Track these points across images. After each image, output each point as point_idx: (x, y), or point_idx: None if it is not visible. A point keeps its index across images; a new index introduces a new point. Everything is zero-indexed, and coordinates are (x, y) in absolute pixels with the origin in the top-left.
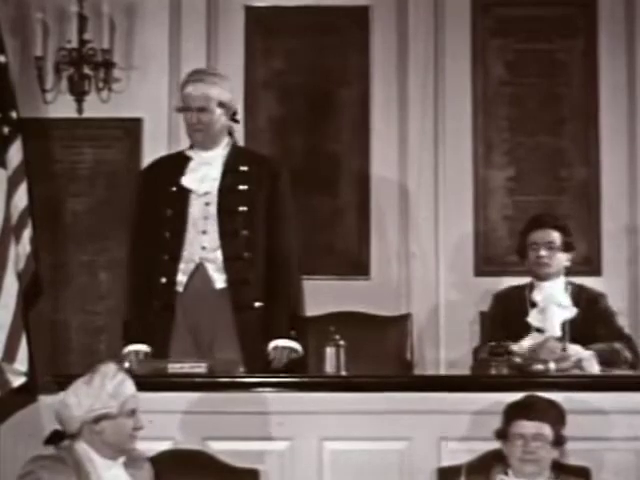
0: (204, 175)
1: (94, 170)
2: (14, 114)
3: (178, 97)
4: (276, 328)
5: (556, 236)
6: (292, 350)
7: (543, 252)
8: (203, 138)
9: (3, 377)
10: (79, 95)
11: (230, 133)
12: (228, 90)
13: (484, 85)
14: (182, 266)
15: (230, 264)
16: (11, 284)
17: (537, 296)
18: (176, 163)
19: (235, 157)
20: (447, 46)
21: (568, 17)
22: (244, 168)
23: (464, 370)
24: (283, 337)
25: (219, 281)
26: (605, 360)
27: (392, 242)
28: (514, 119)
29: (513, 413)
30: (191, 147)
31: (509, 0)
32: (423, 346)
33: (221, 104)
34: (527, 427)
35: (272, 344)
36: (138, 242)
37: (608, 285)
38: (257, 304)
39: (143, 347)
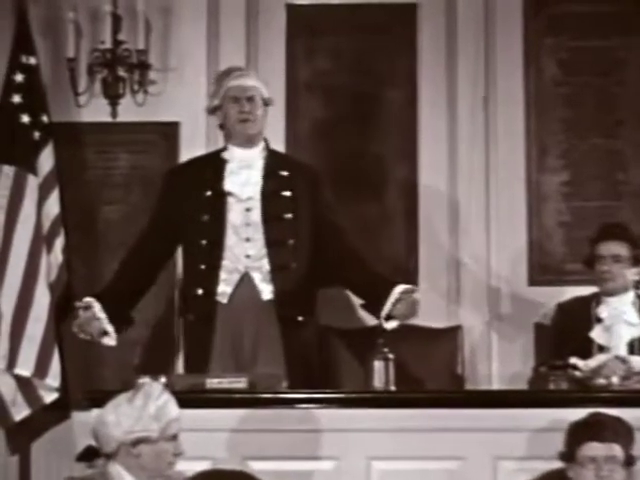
0: (246, 179)
1: (129, 176)
2: (45, 118)
3: (210, 96)
4: (388, 278)
5: (624, 249)
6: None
7: (608, 266)
8: (255, 130)
9: (35, 393)
10: (113, 98)
11: (264, 138)
12: (267, 88)
13: (537, 86)
14: (224, 276)
15: (277, 274)
16: (42, 295)
17: (603, 312)
18: (210, 165)
19: (274, 161)
20: (498, 45)
21: (625, 13)
22: (284, 173)
23: (519, 385)
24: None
25: (266, 292)
26: None
27: (441, 250)
28: (569, 121)
29: (581, 434)
30: (224, 149)
31: None
32: (475, 360)
33: (264, 102)
34: (599, 449)
35: (397, 289)
36: (147, 236)
37: None
38: (300, 318)
39: (96, 304)
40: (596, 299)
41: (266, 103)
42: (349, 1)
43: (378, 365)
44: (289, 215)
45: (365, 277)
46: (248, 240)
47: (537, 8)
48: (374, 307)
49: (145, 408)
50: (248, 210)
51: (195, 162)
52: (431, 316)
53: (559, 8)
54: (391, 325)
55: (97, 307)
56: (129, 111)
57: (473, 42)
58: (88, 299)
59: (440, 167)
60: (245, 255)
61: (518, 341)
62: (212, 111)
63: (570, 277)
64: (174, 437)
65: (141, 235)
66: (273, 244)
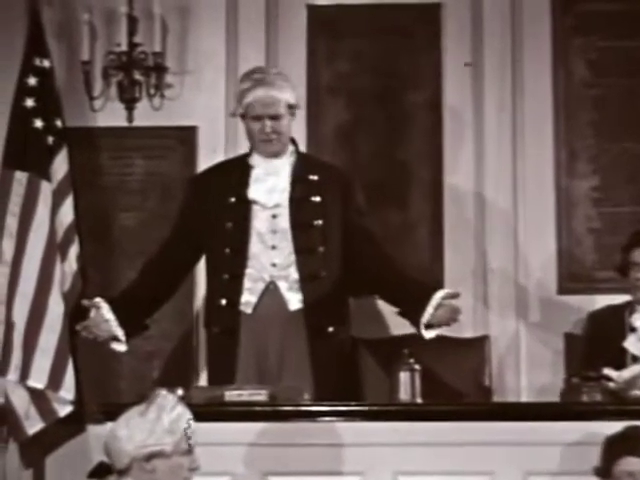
0: (272, 186)
1: (145, 182)
2: (59, 123)
3: (235, 100)
4: (428, 283)
5: None
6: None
7: None
8: (278, 148)
9: (48, 406)
10: (129, 102)
11: (292, 139)
12: (293, 89)
13: (566, 87)
14: (248, 285)
15: (306, 283)
16: (56, 305)
17: (637, 321)
18: (236, 171)
19: (302, 165)
20: (525, 46)
21: None
22: (314, 177)
23: (548, 397)
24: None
25: (293, 302)
26: None
27: (468, 258)
28: (599, 123)
29: (618, 449)
30: (250, 152)
31: None
32: (503, 371)
33: (290, 107)
34: (636, 464)
35: (438, 294)
36: (169, 243)
37: None
38: (331, 329)
39: (104, 305)
40: (630, 308)
41: (292, 110)
42: (371, 1)
43: (404, 376)
44: (319, 222)
45: (401, 283)
46: (274, 248)
47: (565, 7)
48: (413, 314)
49: (158, 421)
50: (275, 217)
51: (220, 167)
52: (457, 326)
53: (588, 6)
54: (430, 334)
55: (105, 308)
56: (145, 115)
57: (499, 42)
58: (97, 299)
59: (466, 172)
60: (271, 263)
61: (547, 351)
62: (234, 115)
63: (601, 285)
64: (189, 451)
65: (163, 242)
66: (302, 252)
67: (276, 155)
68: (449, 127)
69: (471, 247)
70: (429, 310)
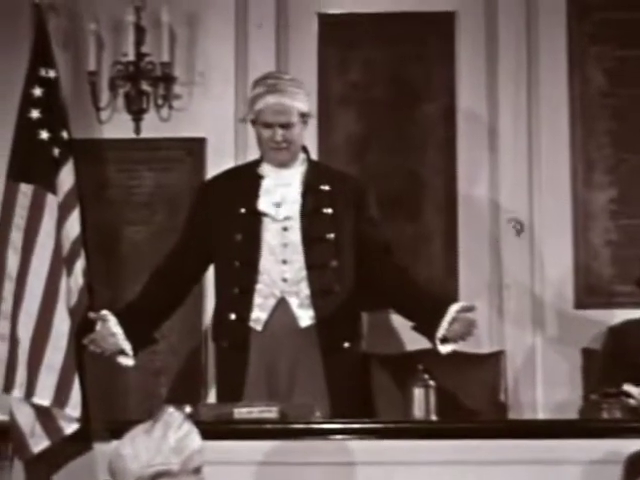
0: (282, 197)
1: (153, 195)
2: (65, 134)
3: (246, 105)
4: (443, 297)
5: None
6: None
7: None
8: (288, 157)
9: (54, 424)
10: (136, 113)
11: (304, 147)
12: (306, 97)
13: (582, 97)
14: (259, 301)
15: (318, 299)
16: (62, 321)
17: None
18: (246, 181)
19: (314, 175)
20: (541, 54)
21: None
22: (325, 187)
23: (566, 414)
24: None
25: (304, 318)
26: None
27: (483, 271)
28: (616, 134)
29: (639, 467)
30: (260, 160)
31: (609, 2)
32: (519, 387)
33: (302, 115)
34: None
35: (453, 307)
36: (176, 253)
37: None
38: (346, 344)
39: (111, 317)
40: None
41: (304, 118)
42: (384, 10)
43: (418, 393)
44: (331, 235)
45: (415, 296)
46: (285, 262)
47: (582, 14)
48: (428, 328)
49: (165, 439)
50: (285, 230)
51: (229, 174)
52: (473, 341)
53: (605, 14)
54: (447, 349)
55: (112, 321)
56: (153, 127)
57: (514, 51)
58: (104, 312)
59: (480, 184)
60: (282, 279)
61: (565, 367)
62: (244, 121)
63: (619, 299)
64: (197, 470)
65: (170, 251)
66: (314, 267)
67: (286, 165)
68: (463, 137)
69: (486, 260)
70: (444, 324)
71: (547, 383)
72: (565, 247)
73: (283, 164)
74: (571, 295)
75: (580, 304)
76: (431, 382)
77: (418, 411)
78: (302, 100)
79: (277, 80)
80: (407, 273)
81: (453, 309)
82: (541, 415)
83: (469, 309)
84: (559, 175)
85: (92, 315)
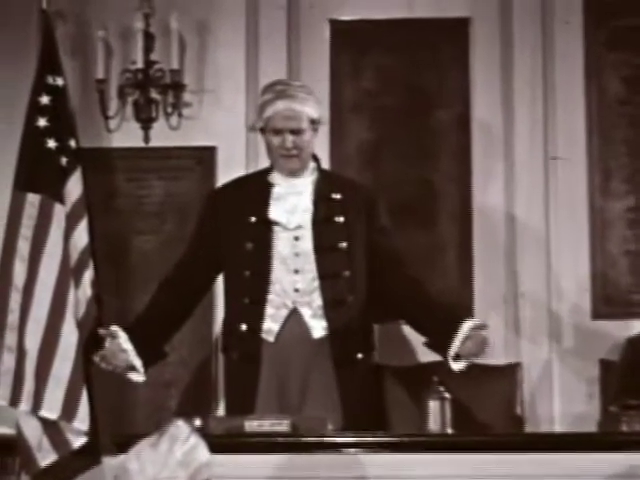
0: (294, 206)
1: (163, 205)
2: (73, 143)
3: (255, 113)
4: (456, 311)
5: None
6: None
7: None
8: (299, 165)
9: (62, 437)
10: (145, 122)
11: (314, 156)
12: (317, 103)
13: (599, 104)
14: (271, 311)
15: (331, 310)
16: (70, 332)
17: None
18: (256, 189)
19: (325, 183)
20: (557, 62)
21: None
22: (337, 196)
23: (583, 427)
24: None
25: (317, 329)
26: None
27: (498, 281)
28: (634, 142)
29: None
30: (270, 169)
31: (626, 9)
32: (535, 399)
33: (312, 122)
34: None
35: (466, 325)
36: (185, 262)
37: None
38: (360, 355)
39: (122, 334)
40: None
41: (315, 125)
42: (396, 16)
43: (433, 405)
44: (343, 244)
45: (428, 309)
46: (297, 272)
47: (599, 21)
48: (440, 345)
49: (171, 453)
50: (297, 239)
51: (239, 183)
52: (488, 352)
53: (622, 21)
54: (459, 366)
55: (123, 337)
56: (162, 135)
57: (530, 58)
58: (114, 327)
59: (496, 191)
60: (294, 289)
61: (582, 379)
62: (253, 129)
63: (637, 309)
64: None
65: (179, 262)
66: (326, 276)
67: (297, 173)
68: (478, 145)
69: (502, 270)
70: (457, 342)
71: (564, 395)
72: (582, 257)
73: (293, 173)
74: (588, 305)
75: (597, 314)
76: (446, 394)
77: (434, 424)
78: (312, 106)
79: (286, 86)
80: (419, 284)
81: (466, 327)
82: (558, 428)
83: (482, 327)
84: (576, 184)
85: (102, 332)
